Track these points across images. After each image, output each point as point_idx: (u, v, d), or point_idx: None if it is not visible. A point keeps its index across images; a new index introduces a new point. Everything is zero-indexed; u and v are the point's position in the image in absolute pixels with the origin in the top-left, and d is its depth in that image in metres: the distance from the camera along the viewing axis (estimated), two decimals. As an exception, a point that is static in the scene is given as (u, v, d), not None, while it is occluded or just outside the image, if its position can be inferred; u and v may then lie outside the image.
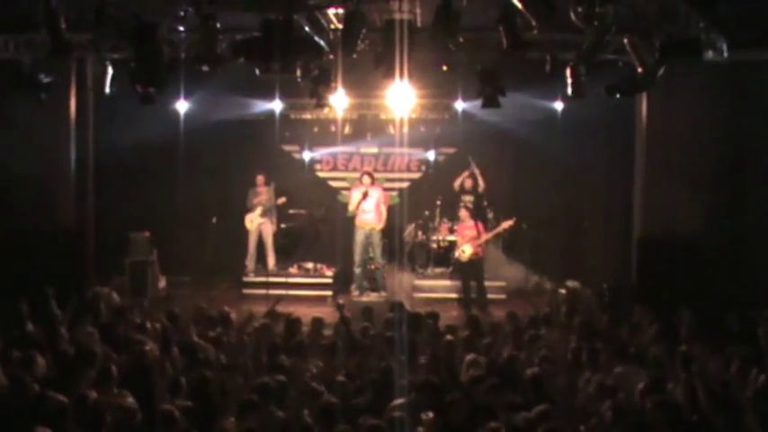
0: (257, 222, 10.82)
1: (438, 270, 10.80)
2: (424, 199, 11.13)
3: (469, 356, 5.87)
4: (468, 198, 10.54)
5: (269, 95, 10.02)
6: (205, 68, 7.27)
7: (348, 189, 11.42)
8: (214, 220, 10.30)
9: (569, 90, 7.82)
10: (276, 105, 10.10)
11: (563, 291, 9.39)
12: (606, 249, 10.48)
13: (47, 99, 7.96)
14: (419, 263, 10.83)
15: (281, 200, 10.70)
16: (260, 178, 10.85)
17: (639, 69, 6.83)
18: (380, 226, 10.11)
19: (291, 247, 10.91)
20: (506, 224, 9.68)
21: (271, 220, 10.85)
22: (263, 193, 10.84)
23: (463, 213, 9.89)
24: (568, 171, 10.34)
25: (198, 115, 9.90)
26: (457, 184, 10.68)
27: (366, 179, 10.17)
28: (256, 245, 10.82)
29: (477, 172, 10.52)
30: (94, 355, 5.54)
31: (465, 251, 9.69)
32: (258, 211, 10.78)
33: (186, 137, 9.43)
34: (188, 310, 7.48)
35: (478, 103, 8.44)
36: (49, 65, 7.74)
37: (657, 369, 5.75)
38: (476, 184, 10.52)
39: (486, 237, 9.78)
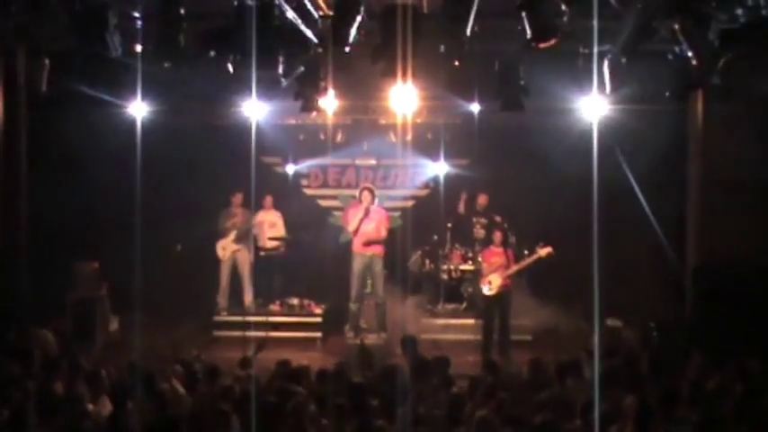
0: (231, 250, 10.82)
1: (450, 306, 10.77)
2: (431, 221, 11.09)
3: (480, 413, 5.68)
4: (483, 221, 10.65)
5: (244, 97, 9.74)
6: (166, 64, 7.21)
7: (341, 210, 11.49)
8: (179, 247, 10.34)
9: (607, 89, 7.86)
10: (253, 109, 9.93)
11: (602, 331, 9.10)
12: (654, 281, 10.47)
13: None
14: (427, 298, 10.80)
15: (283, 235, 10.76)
16: (236, 198, 10.88)
17: (694, 62, 6.73)
18: (383, 253, 10.10)
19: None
20: (543, 251, 9.58)
21: (248, 247, 10.84)
22: (237, 214, 10.89)
23: (497, 236, 9.83)
24: (607, 186, 9.81)
25: (158, 121, 9.84)
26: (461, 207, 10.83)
27: (366, 195, 10.14)
28: (230, 277, 10.83)
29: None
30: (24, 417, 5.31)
31: (493, 282, 9.63)
32: (232, 236, 10.79)
33: (144, 147, 9.28)
34: (147, 358, 7.41)
35: (497, 105, 8.55)
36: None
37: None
38: (489, 205, 10.69)
39: (518, 266, 9.74)
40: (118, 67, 7.48)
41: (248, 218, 10.83)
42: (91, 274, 9.80)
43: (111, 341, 9.58)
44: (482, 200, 10.81)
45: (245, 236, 10.78)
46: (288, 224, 11.11)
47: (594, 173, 8.41)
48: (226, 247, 10.78)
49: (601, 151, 8.76)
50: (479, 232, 10.64)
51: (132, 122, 9.57)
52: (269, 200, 11.03)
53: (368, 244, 10.05)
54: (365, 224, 10.09)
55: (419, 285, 10.91)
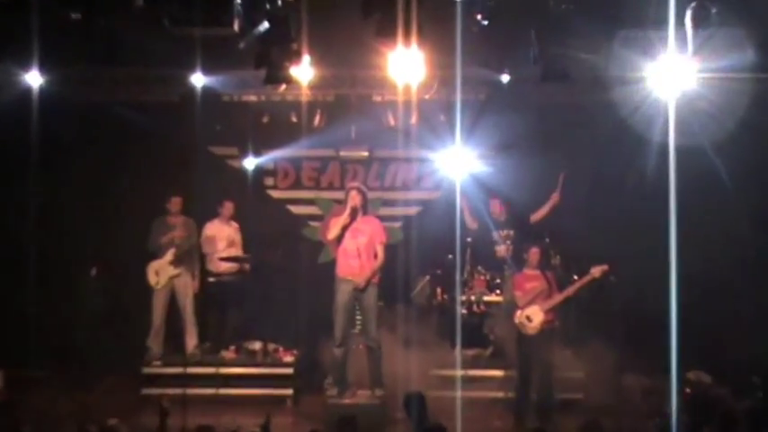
0: (168, 275, 10.70)
1: (471, 352, 10.62)
2: (444, 234, 10.91)
3: None
4: (505, 233, 10.73)
5: (186, 65, 9.82)
6: (74, 15, 7.31)
7: (320, 219, 11.72)
8: (93, 271, 10.29)
9: (689, 51, 7.99)
10: (198, 80, 9.99)
11: (685, 389, 9.14)
12: (756, 319, 10.35)
13: None
14: (439, 340, 10.69)
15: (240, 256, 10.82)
16: (174, 202, 10.79)
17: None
18: (376, 278, 9.91)
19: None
20: (596, 271, 9.51)
21: (191, 270, 10.75)
22: (177, 226, 10.75)
23: (533, 254, 9.71)
24: (688, 185, 9.60)
25: (62, 95, 9.79)
26: (538, 216, 10.89)
27: (354, 199, 9.95)
28: (166, 312, 10.69)
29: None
30: None
31: (532, 318, 9.49)
32: (169, 255, 10.66)
33: (44, 131, 9.13)
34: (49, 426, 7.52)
35: (535, 74, 8.70)
36: None
37: None
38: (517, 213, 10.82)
39: (564, 294, 9.65)
40: (7, 19, 7.55)
41: (192, 231, 10.76)
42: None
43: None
44: (495, 207, 10.78)
45: (188, 255, 10.70)
46: (247, 239, 11.06)
47: (671, 167, 8.59)
48: (160, 272, 10.63)
49: (680, 137, 8.86)
50: (501, 250, 10.65)
51: (26, 96, 9.51)
52: (229, 207, 11.01)
53: (356, 266, 9.87)
54: (353, 237, 9.89)
55: (428, 323, 10.82)
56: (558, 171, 10.92)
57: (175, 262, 10.62)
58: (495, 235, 10.79)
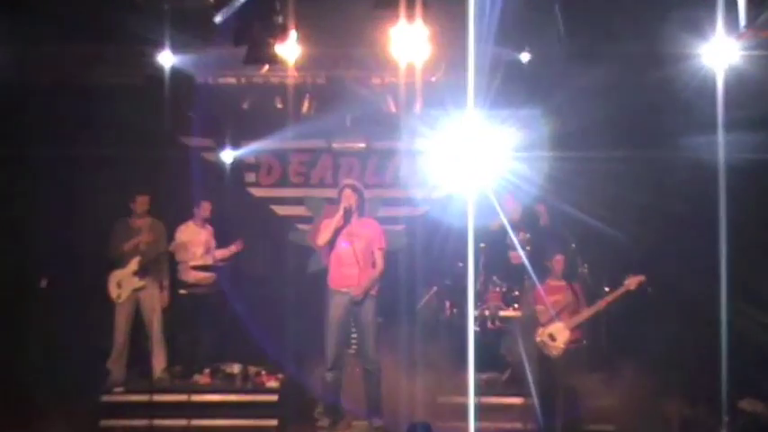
0: (132, 287, 10.69)
1: (484, 376, 10.58)
2: (454, 239, 10.70)
3: None
4: (524, 236, 10.82)
5: (154, 42, 9.78)
6: None
7: (310, 221, 11.84)
8: (43, 283, 10.38)
9: (741, 25, 7.70)
10: (167, 60, 9.89)
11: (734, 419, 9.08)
12: None
13: None
14: (448, 362, 10.44)
15: (231, 248, 11.00)
16: (140, 202, 10.80)
17: None
18: (374, 290, 9.86)
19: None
20: (632, 282, 9.47)
21: (159, 282, 10.73)
22: (142, 229, 10.71)
23: (557, 262, 9.69)
24: (740, 182, 9.61)
25: (10, 79, 9.77)
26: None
27: (349, 195, 9.92)
28: (129, 330, 10.66)
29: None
30: None
31: (556, 336, 9.51)
32: (133, 264, 10.63)
33: None
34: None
35: (560, 52, 9.12)
36: None
37: None
38: (531, 215, 11.00)
39: (594, 309, 9.66)
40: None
41: (160, 235, 10.72)
42: None
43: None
44: (508, 204, 10.76)
45: (155, 264, 10.64)
46: (224, 245, 11.04)
47: (720, 159, 8.55)
48: (123, 283, 10.60)
49: (730, 123, 8.77)
50: (516, 257, 10.68)
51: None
52: (206, 208, 11.00)
53: (352, 275, 9.79)
54: (348, 242, 9.81)
55: (435, 342, 10.76)
56: (582, 164, 10.82)
57: (141, 272, 10.57)
58: (513, 239, 10.69)
